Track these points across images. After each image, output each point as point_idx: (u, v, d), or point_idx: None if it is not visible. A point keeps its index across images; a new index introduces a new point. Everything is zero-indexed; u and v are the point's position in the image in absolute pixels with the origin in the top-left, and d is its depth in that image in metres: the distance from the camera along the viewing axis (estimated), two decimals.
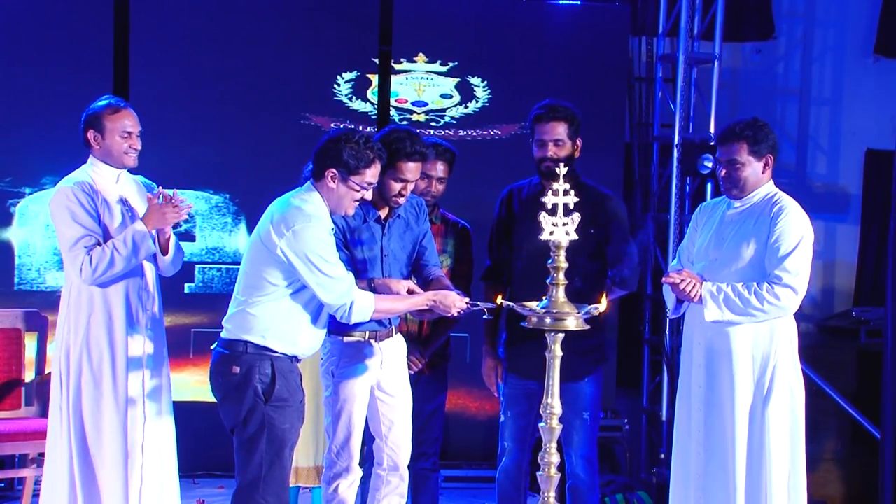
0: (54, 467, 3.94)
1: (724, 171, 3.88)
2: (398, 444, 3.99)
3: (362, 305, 3.58)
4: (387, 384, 3.98)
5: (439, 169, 4.24)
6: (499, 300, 3.59)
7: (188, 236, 5.85)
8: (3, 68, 5.66)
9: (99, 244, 3.81)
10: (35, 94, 5.68)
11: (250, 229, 5.95)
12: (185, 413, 5.86)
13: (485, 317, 3.81)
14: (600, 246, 4.11)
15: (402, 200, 3.89)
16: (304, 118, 5.92)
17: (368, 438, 4.07)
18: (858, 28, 6.84)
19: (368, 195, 3.67)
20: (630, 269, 4.19)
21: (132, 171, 4.06)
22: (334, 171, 3.56)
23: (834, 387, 5.55)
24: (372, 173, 3.61)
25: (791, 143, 6.82)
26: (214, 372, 3.65)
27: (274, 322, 3.57)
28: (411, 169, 3.83)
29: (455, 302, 3.70)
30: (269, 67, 5.91)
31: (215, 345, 3.68)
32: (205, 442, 5.67)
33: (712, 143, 5.73)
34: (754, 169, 3.84)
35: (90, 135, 3.92)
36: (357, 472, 3.98)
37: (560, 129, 4.12)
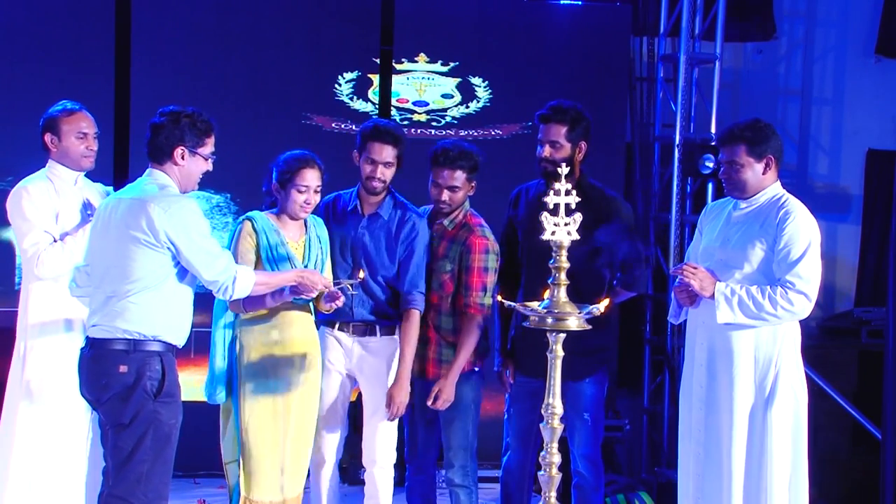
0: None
1: (724, 173, 3.89)
2: (365, 443, 4.11)
3: (243, 281, 3.61)
4: (360, 379, 4.13)
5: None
6: (364, 275, 3.93)
7: None
8: (5, 68, 5.66)
9: (56, 241, 3.91)
10: (36, 94, 5.66)
11: None
12: (185, 413, 5.87)
13: (350, 293, 3.94)
14: (604, 247, 4.11)
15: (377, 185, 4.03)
16: (305, 118, 5.92)
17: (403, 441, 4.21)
18: (860, 28, 6.84)
19: (210, 166, 3.71)
20: (638, 271, 4.19)
21: (94, 178, 4.15)
22: (182, 147, 3.60)
23: (835, 387, 5.54)
24: (212, 142, 3.69)
25: (792, 143, 6.81)
26: (94, 372, 3.55)
27: (158, 311, 3.55)
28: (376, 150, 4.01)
29: (319, 280, 3.78)
30: (270, 67, 5.91)
31: (84, 345, 3.61)
32: (205, 442, 5.67)
33: (713, 144, 5.73)
34: (755, 170, 3.84)
35: (47, 138, 4.03)
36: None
37: (558, 131, 4.12)
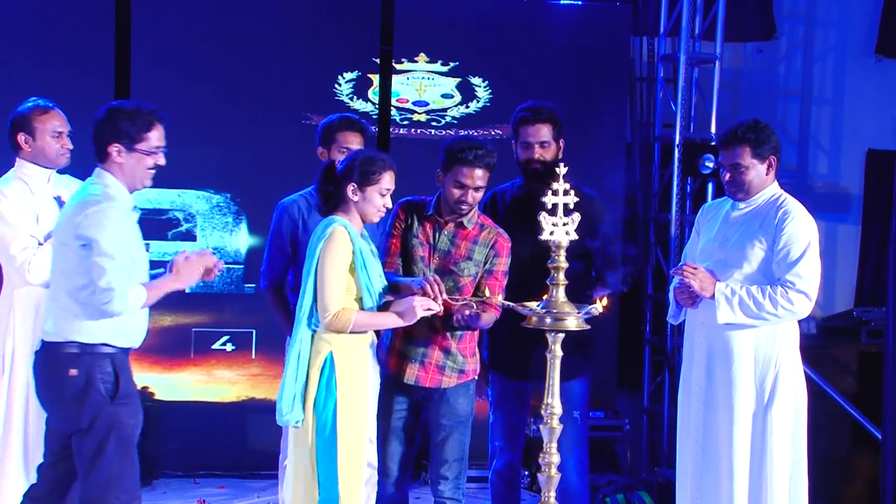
0: None
1: (727, 175, 3.87)
2: None
3: (133, 298, 3.35)
4: None
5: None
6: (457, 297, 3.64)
7: (189, 236, 5.85)
8: (5, 68, 5.66)
9: (41, 244, 3.81)
10: (37, 94, 5.66)
11: (251, 229, 5.97)
12: (185, 413, 5.90)
13: (469, 311, 3.60)
14: (585, 246, 4.06)
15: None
16: (305, 118, 5.92)
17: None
18: (860, 28, 6.84)
19: (160, 160, 3.51)
20: (613, 269, 4.18)
21: (61, 170, 4.04)
22: (118, 144, 3.43)
23: (835, 387, 5.54)
24: (157, 136, 3.48)
25: (792, 143, 6.82)
26: (47, 376, 3.45)
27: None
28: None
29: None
30: (270, 67, 5.91)
31: (38, 348, 3.51)
32: (205, 442, 5.69)
33: (713, 144, 5.73)
34: (758, 171, 3.83)
35: (20, 137, 3.92)
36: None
37: (545, 131, 4.13)
